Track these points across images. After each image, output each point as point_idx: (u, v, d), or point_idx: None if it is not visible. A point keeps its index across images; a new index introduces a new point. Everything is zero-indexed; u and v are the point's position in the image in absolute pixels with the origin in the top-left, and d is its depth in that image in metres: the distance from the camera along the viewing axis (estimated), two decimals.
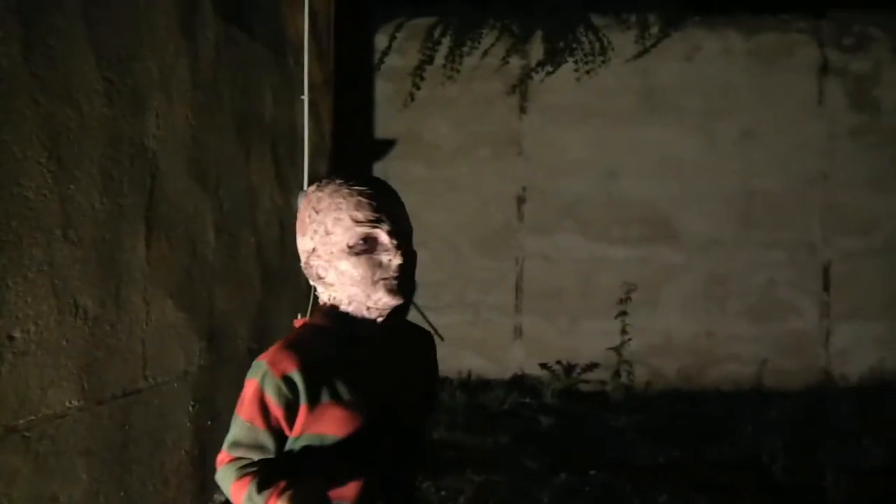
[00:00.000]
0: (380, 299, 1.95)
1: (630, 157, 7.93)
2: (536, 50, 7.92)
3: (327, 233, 1.95)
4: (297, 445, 1.92)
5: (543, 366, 7.73)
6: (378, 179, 2.03)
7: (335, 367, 1.93)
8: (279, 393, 1.88)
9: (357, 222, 1.92)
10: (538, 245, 8.01)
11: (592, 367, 7.73)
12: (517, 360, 7.95)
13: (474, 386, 7.54)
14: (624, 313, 7.59)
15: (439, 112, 8.01)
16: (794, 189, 7.88)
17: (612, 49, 7.83)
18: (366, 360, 1.97)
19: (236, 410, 1.95)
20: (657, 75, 7.93)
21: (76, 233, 3.12)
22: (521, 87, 7.97)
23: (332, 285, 1.98)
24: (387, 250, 1.94)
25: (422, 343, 2.18)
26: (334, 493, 1.91)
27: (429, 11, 7.90)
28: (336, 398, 1.91)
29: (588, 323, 7.91)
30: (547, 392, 7.06)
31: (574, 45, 7.83)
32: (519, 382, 7.66)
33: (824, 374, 7.76)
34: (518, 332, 8.00)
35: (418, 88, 7.91)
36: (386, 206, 1.96)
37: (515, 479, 5.05)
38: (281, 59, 5.53)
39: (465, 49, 7.87)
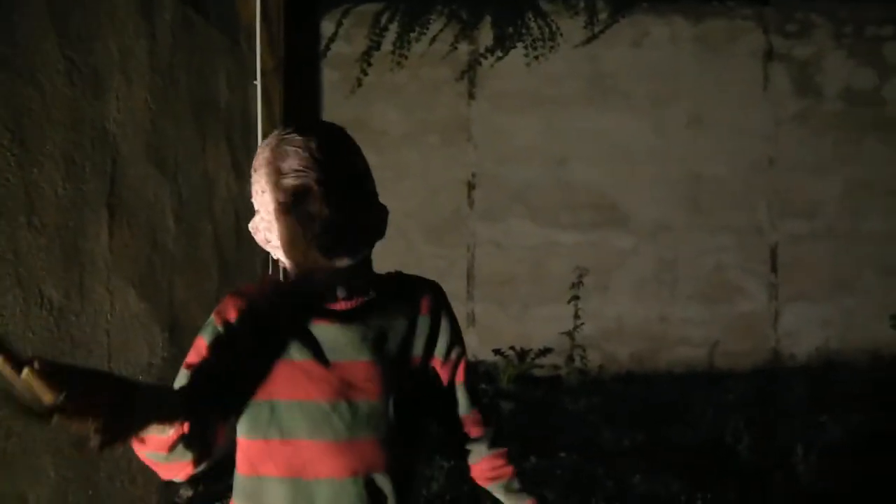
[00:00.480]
0: (316, 260, 1.68)
1: (579, 143, 7.93)
2: (485, 36, 7.87)
3: (262, 191, 1.70)
4: (242, 412, 1.69)
5: (497, 352, 7.69)
6: (324, 125, 1.78)
7: (289, 324, 1.70)
8: (215, 334, 1.67)
9: (282, 174, 1.66)
10: (489, 232, 7.98)
11: (546, 352, 7.70)
12: (470, 347, 7.89)
13: None
14: (576, 298, 7.57)
15: (387, 99, 7.91)
16: (741, 174, 7.96)
17: (561, 35, 7.82)
18: (330, 322, 1.71)
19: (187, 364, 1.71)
20: (606, 61, 7.93)
21: (40, 220, 2.98)
22: (469, 73, 7.91)
23: (278, 248, 1.73)
24: (313, 203, 1.66)
25: (413, 303, 1.86)
26: (287, 466, 1.67)
27: None
28: (288, 357, 1.68)
29: (540, 308, 7.90)
30: (502, 378, 7.02)
31: (523, 31, 7.80)
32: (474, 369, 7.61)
33: (773, 354, 7.86)
34: (470, 318, 7.96)
35: (366, 75, 7.80)
36: (320, 152, 1.68)
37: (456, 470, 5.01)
38: (235, 44, 5.40)
39: (413, 35, 7.79)
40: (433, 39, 7.82)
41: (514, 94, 7.93)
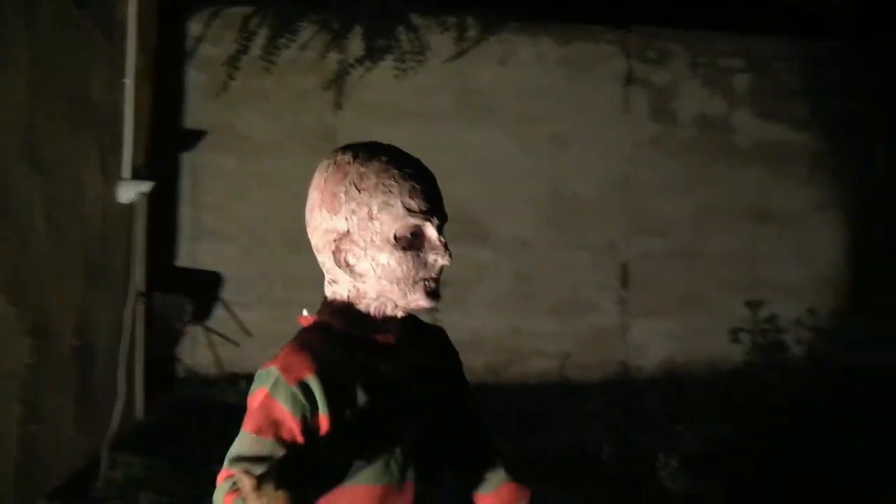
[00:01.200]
0: (416, 300, 1.73)
1: (445, 158, 8.00)
2: (355, 46, 7.90)
3: (371, 217, 1.70)
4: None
5: None
6: (419, 161, 1.79)
7: (355, 375, 1.70)
8: (294, 401, 1.62)
9: (410, 212, 1.70)
10: None
11: None
12: None
13: None
14: (434, 311, 7.68)
15: (253, 104, 7.86)
16: (600, 193, 8.22)
17: (431, 50, 7.92)
18: (388, 369, 1.74)
19: (243, 426, 1.65)
20: (474, 78, 8.07)
21: None
22: (338, 82, 7.93)
23: (361, 276, 1.74)
24: (434, 248, 1.74)
25: (440, 342, 1.96)
26: None
27: (245, 0, 7.73)
28: (357, 409, 1.67)
29: None
30: None
31: (393, 44, 7.87)
32: None
33: (622, 366, 8.14)
34: None
35: (232, 79, 7.72)
36: (436, 197, 1.74)
37: None
38: (109, 41, 5.30)
39: (282, 41, 7.75)
40: (303, 47, 7.80)
41: (382, 106, 7.99)
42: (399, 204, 1.69)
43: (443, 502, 1.83)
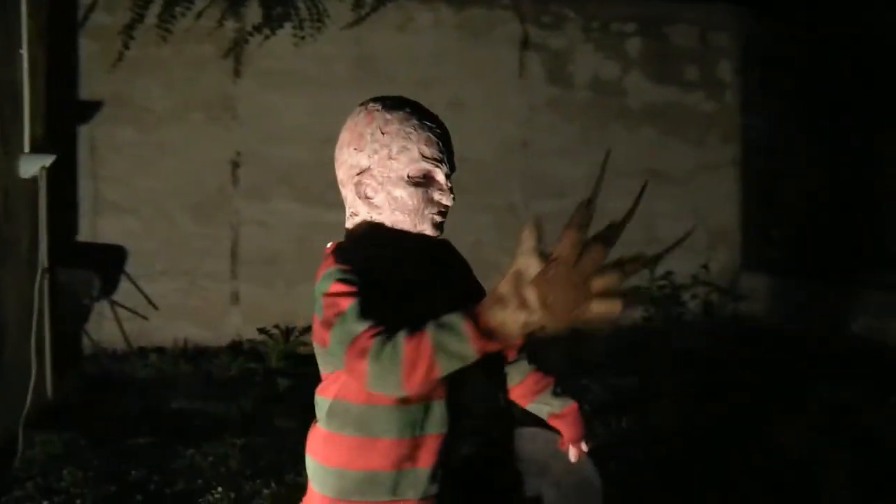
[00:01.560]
0: (424, 230, 1.97)
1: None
2: (253, 14, 7.83)
3: (390, 157, 1.94)
4: None
5: (262, 330, 7.74)
6: (437, 117, 2.00)
7: (383, 277, 1.85)
8: (354, 276, 1.78)
9: (424, 157, 1.94)
10: (254, 211, 7.99)
11: (310, 329, 7.84)
12: (235, 326, 7.92)
13: (192, 354, 7.44)
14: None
15: (150, 74, 7.74)
16: (498, 156, 8.38)
17: (329, 17, 7.91)
18: (412, 277, 1.93)
19: (329, 313, 1.74)
20: (372, 44, 8.11)
21: None
22: (236, 50, 7.86)
23: (378, 207, 1.95)
24: (441, 190, 1.97)
25: (447, 251, 2.17)
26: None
27: None
28: (396, 300, 1.80)
29: (305, 286, 7.95)
30: (271, 357, 7.10)
31: (291, 11, 7.83)
32: (238, 349, 7.64)
33: None
34: (235, 298, 7.96)
35: (127, 48, 7.58)
36: (448, 148, 1.99)
37: (276, 440, 5.13)
38: (2, 10, 5.16)
39: (178, 10, 7.64)
40: (199, 15, 7.71)
41: (281, 74, 7.96)
42: (415, 149, 1.94)
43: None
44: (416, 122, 1.96)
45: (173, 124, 7.79)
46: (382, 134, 1.95)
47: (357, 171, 1.98)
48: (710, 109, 8.87)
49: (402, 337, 1.59)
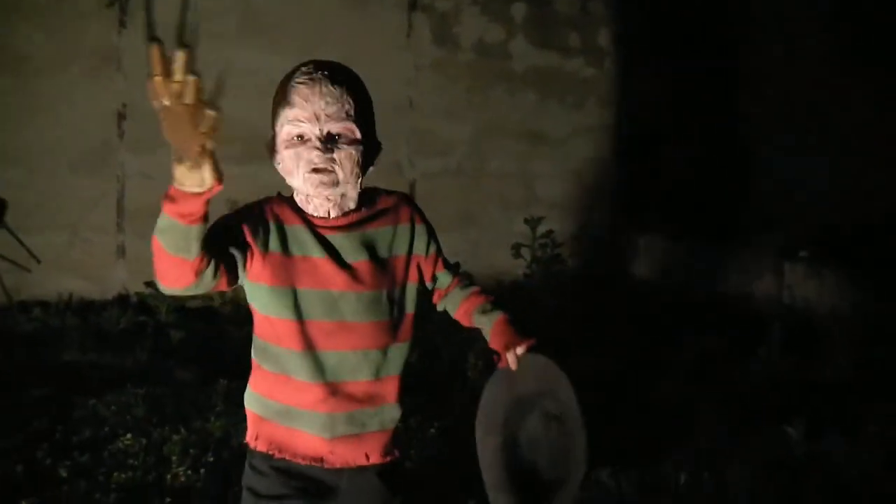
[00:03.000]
0: (307, 192, 2.11)
1: (230, 79, 7.95)
2: None
3: (275, 124, 2.13)
4: (272, 295, 2.07)
5: (149, 284, 7.70)
6: (333, 66, 2.14)
7: (305, 231, 2.11)
8: (254, 216, 2.10)
9: (289, 121, 2.08)
10: (139, 164, 7.90)
11: None
12: (121, 280, 7.86)
13: (77, 308, 7.36)
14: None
15: (29, 21, 7.52)
16: (384, 115, 8.38)
17: None
18: (334, 233, 2.13)
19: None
20: (259, 2, 8.11)
21: None
22: (120, 1, 7.72)
23: (284, 173, 2.16)
24: (310, 149, 2.08)
25: (394, 214, 2.30)
26: (306, 341, 2.07)
27: None
28: (307, 254, 2.09)
29: None
30: (161, 309, 7.10)
31: None
32: (126, 302, 7.59)
33: None
34: (120, 251, 7.89)
35: None
36: (320, 102, 2.07)
37: (179, 389, 5.19)
38: None
39: None
40: None
41: (167, 27, 7.82)
42: (286, 112, 2.09)
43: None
44: (289, 85, 2.11)
45: (55, 75, 7.61)
46: (274, 104, 2.14)
47: (272, 138, 2.20)
48: (590, 75, 9.20)
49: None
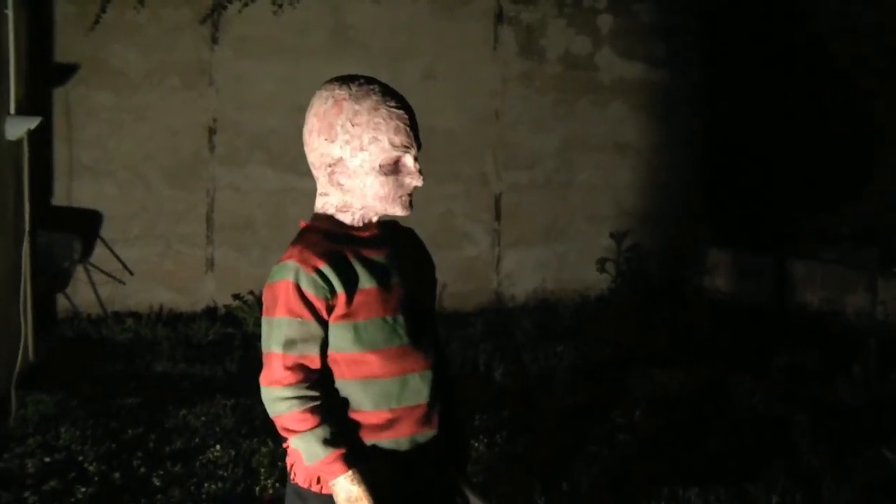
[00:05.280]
0: (395, 212, 2.13)
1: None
2: None
3: (361, 149, 2.06)
4: (333, 334, 2.04)
5: (237, 297, 7.83)
6: (403, 98, 2.11)
7: (353, 261, 2.08)
8: (316, 285, 2.01)
9: (393, 146, 2.06)
10: (229, 176, 8.04)
11: None
12: (209, 291, 7.99)
13: (168, 319, 7.50)
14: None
15: (126, 38, 7.72)
16: (470, 127, 8.51)
17: None
18: (377, 256, 2.12)
19: (271, 313, 2.03)
20: (349, 15, 8.17)
21: None
22: (213, 17, 7.86)
23: (349, 192, 2.11)
24: (410, 173, 2.10)
25: (410, 237, 2.32)
26: (371, 370, 2.06)
27: None
28: (363, 287, 2.07)
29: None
30: (248, 322, 7.20)
31: None
32: (213, 314, 7.71)
33: (496, 295, 8.55)
34: (210, 263, 8.02)
35: (104, 12, 7.55)
36: (415, 130, 2.10)
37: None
38: None
39: None
40: None
41: (258, 41, 7.99)
42: (385, 139, 2.06)
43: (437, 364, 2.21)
44: (385, 110, 2.07)
45: (149, 89, 7.80)
46: (353, 126, 2.06)
47: (329, 160, 2.10)
48: (676, 86, 9.07)
49: (300, 406, 1.99)
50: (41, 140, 7.17)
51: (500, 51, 8.57)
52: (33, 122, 5.77)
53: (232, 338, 6.91)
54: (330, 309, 2.03)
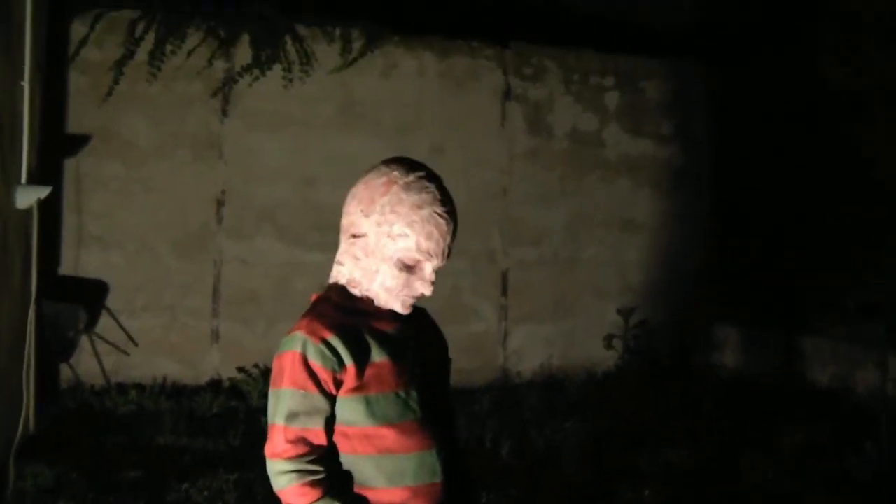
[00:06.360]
0: (393, 307, 2.13)
1: (328, 166, 8.16)
2: (242, 54, 7.93)
3: (389, 236, 2.07)
4: (344, 407, 2.02)
5: (241, 369, 7.77)
6: (452, 206, 2.14)
7: (365, 334, 2.07)
8: (323, 357, 2.00)
9: (419, 249, 2.08)
10: (236, 249, 8.04)
11: None
12: (214, 364, 7.92)
13: (171, 391, 7.43)
14: None
15: (138, 110, 7.79)
16: (477, 203, 8.52)
17: (317, 60, 8.04)
18: (389, 330, 2.11)
19: (277, 385, 2.01)
20: (357, 89, 8.25)
21: None
22: (223, 90, 7.94)
23: (362, 269, 2.11)
24: (423, 280, 2.12)
25: (423, 315, 2.30)
26: (386, 445, 2.01)
27: (131, 4, 7.65)
28: (375, 360, 2.04)
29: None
30: (253, 395, 7.13)
31: (280, 54, 7.95)
32: (218, 387, 7.64)
33: (502, 371, 8.47)
34: (215, 336, 7.97)
35: (117, 84, 7.62)
36: (447, 241, 2.11)
37: (267, 476, 5.13)
38: (6, 41, 5.22)
39: (169, 48, 7.71)
40: (189, 54, 7.78)
41: (268, 115, 8.06)
42: (414, 239, 2.07)
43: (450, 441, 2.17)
44: (426, 212, 2.09)
45: (159, 161, 7.84)
46: (391, 211, 2.07)
47: (356, 231, 2.12)
48: (682, 162, 9.12)
49: (300, 480, 1.98)
50: (50, 210, 7.20)
51: (508, 127, 8.63)
52: (44, 192, 5.79)
53: (236, 411, 6.84)
54: (338, 382, 2.01)
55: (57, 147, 7.42)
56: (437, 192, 2.12)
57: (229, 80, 7.93)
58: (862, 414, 6.80)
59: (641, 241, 8.95)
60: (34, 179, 5.94)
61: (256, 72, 7.92)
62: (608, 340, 8.23)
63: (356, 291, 2.12)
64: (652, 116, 9.05)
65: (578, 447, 6.06)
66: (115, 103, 7.66)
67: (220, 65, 7.92)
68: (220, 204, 8.00)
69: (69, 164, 7.63)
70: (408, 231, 2.06)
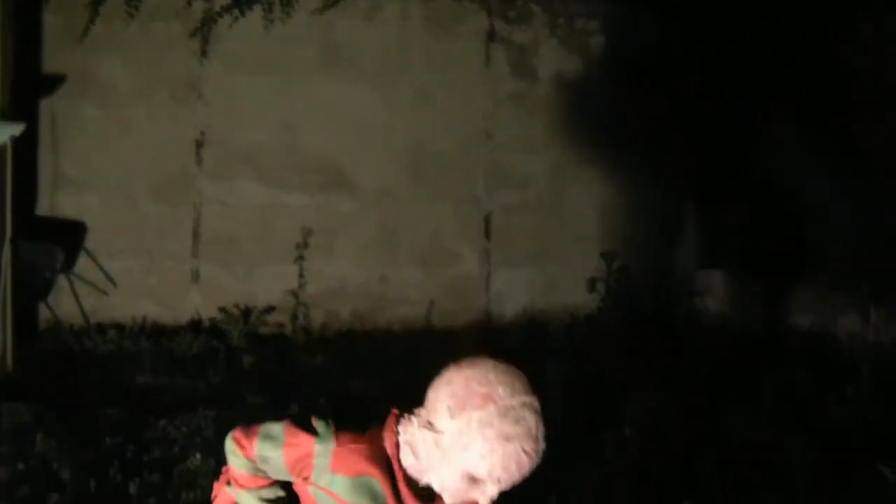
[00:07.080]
0: (441, 494, 1.97)
1: (309, 109, 8.08)
2: None
3: (463, 448, 1.90)
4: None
5: (222, 310, 7.74)
6: (543, 446, 1.93)
7: (377, 488, 1.98)
8: (321, 474, 1.95)
9: (488, 475, 1.90)
10: (216, 191, 7.98)
11: (270, 310, 7.85)
12: (194, 305, 7.89)
13: (151, 332, 7.40)
14: (301, 259, 7.79)
15: (115, 51, 7.68)
16: (461, 147, 8.46)
17: (298, 1, 7.91)
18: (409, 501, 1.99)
19: (289, 425, 2.01)
20: (340, 32, 8.14)
21: None
22: (203, 31, 7.83)
23: (426, 456, 1.95)
24: (483, 494, 1.92)
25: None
26: None
27: None
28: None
29: (266, 268, 8.01)
30: (234, 335, 7.12)
31: None
32: (198, 327, 7.62)
33: (485, 313, 8.47)
34: (195, 277, 7.93)
35: (93, 24, 7.50)
36: (524, 475, 1.91)
37: (248, 413, 5.14)
38: None
39: None
40: None
41: (248, 57, 7.95)
42: (488, 465, 1.88)
43: None
44: (512, 447, 1.89)
45: (137, 103, 7.75)
46: (476, 428, 1.88)
47: (435, 422, 1.93)
48: (668, 112, 9.03)
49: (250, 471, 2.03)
50: (26, 150, 7.10)
51: (492, 71, 8.52)
52: (17, 129, 5.74)
53: (216, 351, 6.83)
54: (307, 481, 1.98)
55: (32, 87, 7.31)
56: (532, 427, 1.92)
57: (209, 21, 7.82)
58: (843, 360, 6.81)
59: (626, 188, 8.89)
60: (6, 117, 5.86)
61: (236, 12, 7.80)
62: (591, 284, 8.21)
63: (409, 458, 1.97)
64: (636, 64, 8.94)
65: (560, 389, 6.04)
66: (92, 44, 7.55)
67: (199, 4, 7.80)
68: (199, 146, 7.92)
69: (45, 105, 7.53)
70: (485, 454, 1.88)
